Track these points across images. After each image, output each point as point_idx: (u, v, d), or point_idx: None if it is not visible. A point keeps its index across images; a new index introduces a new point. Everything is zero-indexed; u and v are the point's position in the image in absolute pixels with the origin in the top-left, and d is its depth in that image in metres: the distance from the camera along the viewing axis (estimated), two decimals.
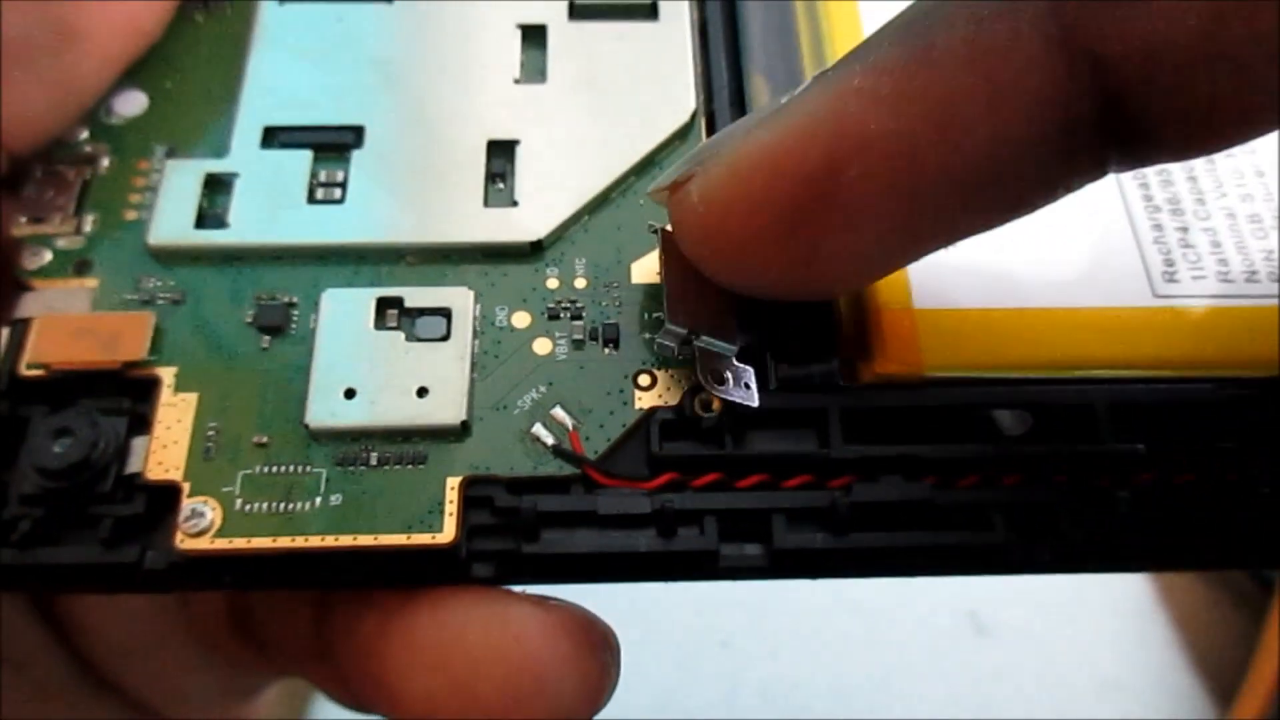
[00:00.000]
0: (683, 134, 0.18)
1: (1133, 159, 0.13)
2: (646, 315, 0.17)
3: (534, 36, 0.19)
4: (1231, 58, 0.11)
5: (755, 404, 0.15)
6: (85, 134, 0.18)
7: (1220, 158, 0.18)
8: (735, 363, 0.15)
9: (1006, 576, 0.16)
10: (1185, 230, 0.18)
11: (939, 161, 0.12)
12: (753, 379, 0.15)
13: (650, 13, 0.19)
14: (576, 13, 0.19)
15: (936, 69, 0.12)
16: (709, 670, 0.39)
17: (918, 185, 0.12)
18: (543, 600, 0.15)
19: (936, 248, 0.14)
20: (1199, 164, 0.18)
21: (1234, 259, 0.17)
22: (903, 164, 0.12)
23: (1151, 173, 0.18)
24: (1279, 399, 0.16)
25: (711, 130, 0.18)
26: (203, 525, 0.15)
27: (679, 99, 0.18)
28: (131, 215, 0.17)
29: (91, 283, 0.17)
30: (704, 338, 0.15)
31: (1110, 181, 0.18)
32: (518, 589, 0.16)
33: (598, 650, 0.15)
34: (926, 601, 0.39)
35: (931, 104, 0.12)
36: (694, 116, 0.18)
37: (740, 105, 0.19)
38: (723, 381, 0.15)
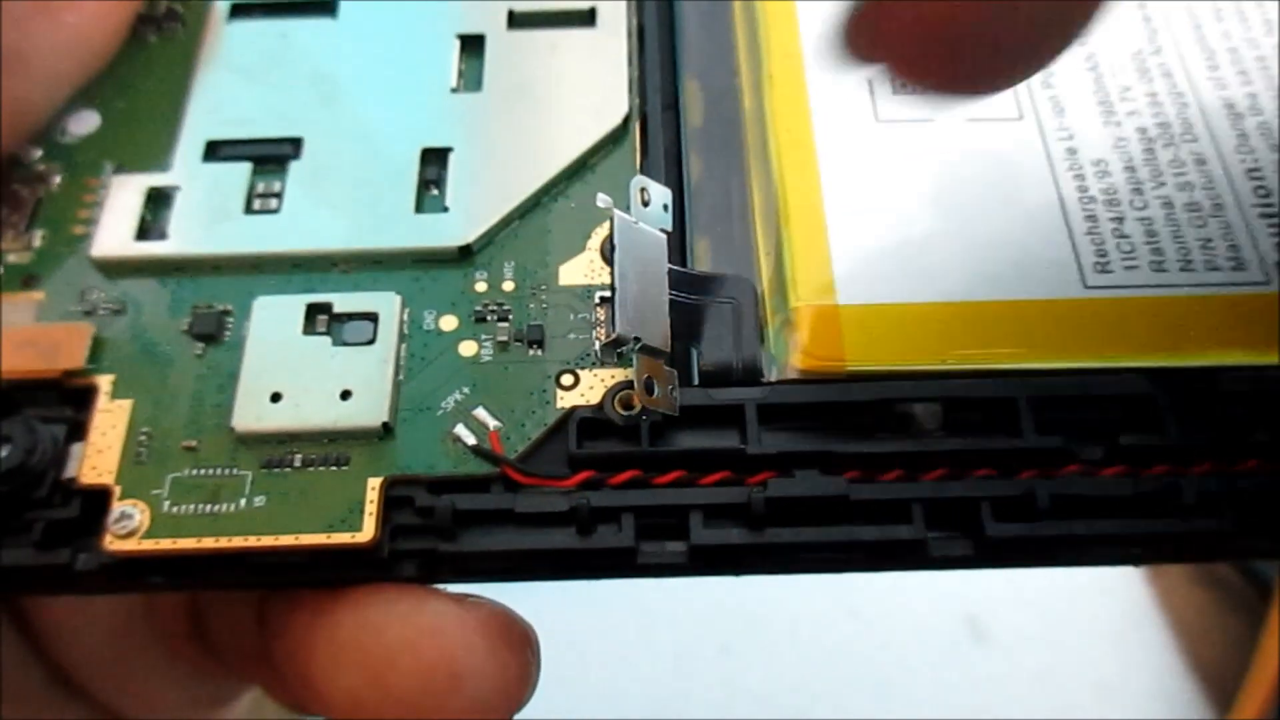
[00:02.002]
0: (615, 138, 0.18)
1: None
2: (573, 316, 0.17)
3: (472, 46, 0.19)
4: None
5: (675, 413, 0.15)
6: (39, 153, 0.19)
7: (1160, 147, 0.18)
8: (665, 368, 0.15)
9: (1005, 580, 0.16)
10: (1120, 221, 0.17)
11: None
12: (676, 383, 0.15)
13: (588, 19, 0.20)
14: (515, 21, 0.20)
15: None
16: (708, 675, 0.39)
17: None
18: (462, 598, 0.15)
19: None
20: (1137, 154, 0.18)
21: (1169, 248, 0.17)
22: None
23: (1088, 164, 0.18)
24: (1208, 388, 0.16)
25: (645, 133, 0.19)
26: (131, 527, 0.15)
27: (612, 103, 0.19)
28: (79, 230, 0.18)
29: (38, 295, 0.17)
30: (644, 344, 0.15)
31: (1045, 174, 0.18)
32: (453, 588, 0.16)
33: (516, 647, 0.15)
34: (924, 606, 0.39)
35: None
36: (627, 120, 0.18)
37: (675, 109, 0.19)
38: (651, 390, 0.15)
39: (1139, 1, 0.20)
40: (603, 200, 0.15)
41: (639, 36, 0.20)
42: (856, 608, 0.39)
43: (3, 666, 0.19)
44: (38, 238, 0.18)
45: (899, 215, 0.17)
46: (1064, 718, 0.37)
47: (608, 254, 0.16)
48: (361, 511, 0.15)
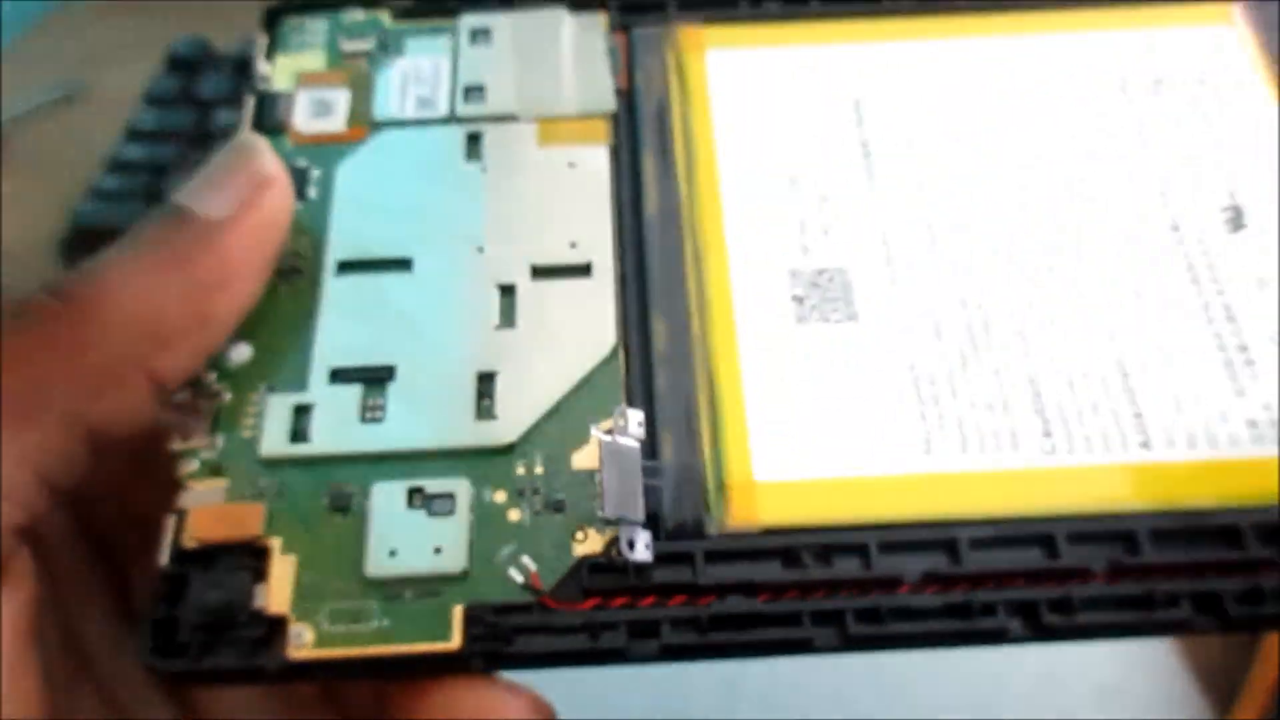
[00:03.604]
0: (608, 361, 0.27)
1: None
2: (583, 490, 0.25)
3: (508, 293, 0.28)
4: None
5: (650, 560, 0.24)
6: (214, 376, 0.27)
7: (970, 355, 0.27)
8: (641, 530, 0.24)
9: None
10: (940, 409, 0.26)
11: None
12: (650, 540, 0.24)
13: (586, 271, 0.29)
14: (536, 274, 0.28)
15: None
16: (708, 675, 0.42)
17: None
18: (512, 686, 0.24)
19: None
20: (955, 362, 0.27)
21: (970, 434, 0.26)
22: None
23: (924, 375, 0.27)
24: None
25: (628, 356, 0.27)
26: (303, 642, 0.24)
27: (604, 336, 0.27)
28: (247, 434, 0.26)
29: (223, 482, 0.26)
30: (625, 517, 0.24)
31: (910, 384, 0.27)
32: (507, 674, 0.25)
33: None
34: None
35: None
36: (614, 349, 0.27)
37: (645, 338, 0.28)
38: (633, 547, 0.24)
39: (965, 239, 0.29)
40: (593, 431, 0.24)
41: (622, 283, 0.29)
42: None
43: None
44: (219, 440, 0.26)
45: (804, 416, 0.26)
46: (1064, 718, 0.39)
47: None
48: (450, 628, 0.24)
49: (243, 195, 0.27)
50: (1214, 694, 0.40)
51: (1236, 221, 0.29)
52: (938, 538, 0.25)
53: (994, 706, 0.40)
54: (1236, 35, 0.33)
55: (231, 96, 0.66)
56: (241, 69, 0.68)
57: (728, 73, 0.32)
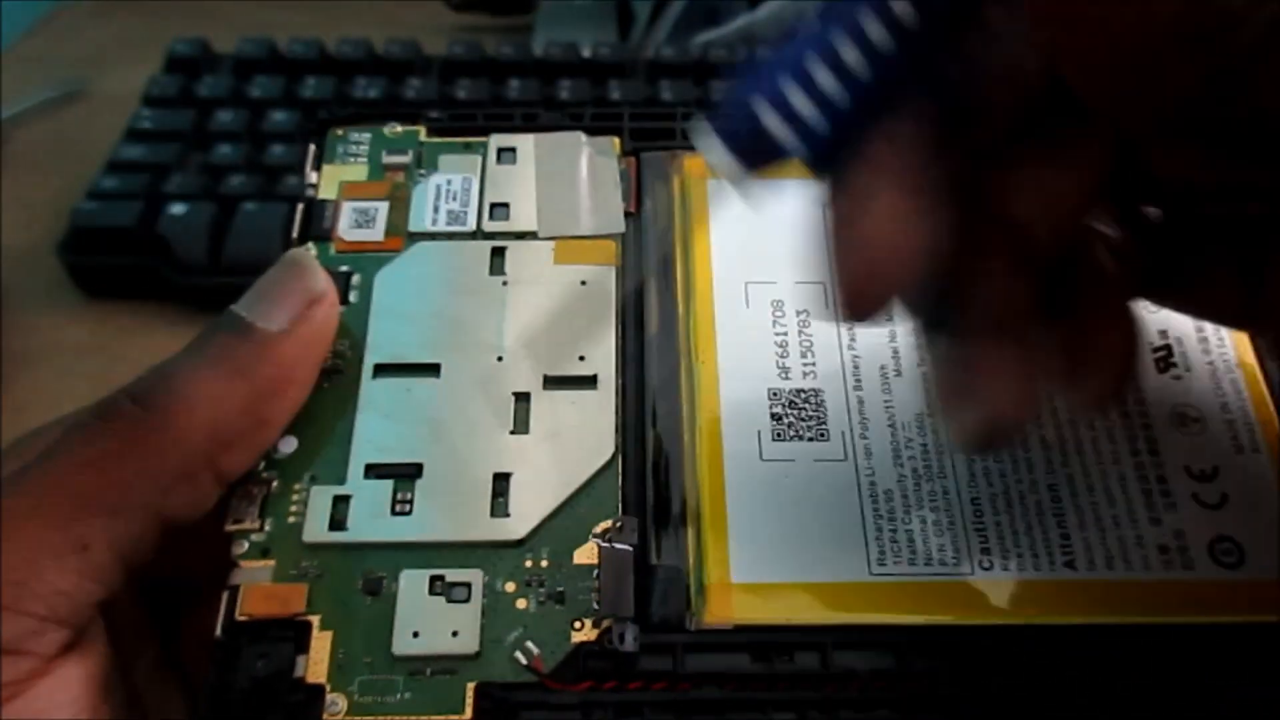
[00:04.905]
0: (607, 467, 0.31)
1: None
2: (581, 584, 0.29)
3: (522, 399, 0.32)
4: None
5: (637, 650, 0.28)
6: (263, 465, 0.31)
7: (924, 481, 0.31)
8: (630, 624, 0.28)
9: None
10: (895, 528, 0.30)
11: None
12: (637, 633, 0.28)
13: (592, 383, 0.33)
14: (548, 383, 0.32)
15: None
16: None
17: None
18: None
19: None
20: (910, 487, 0.31)
21: (920, 548, 0.30)
22: None
23: (881, 492, 0.31)
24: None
25: (625, 462, 0.31)
26: (337, 710, 0.27)
27: (604, 444, 0.31)
28: (292, 520, 0.30)
29: (270, 563, 0.30)
30: (618, 614, 0.28)
31: (855, 499, 0.31)
32: None
33: None
34: None
35: None
36: (614, 456, 0.31)
37: (642, 448, 0.32)
38: (623, 640, 0.28)
39: (923, 371, 0.33)
40: (593, 539, 0.28)
41: (622, 395, 0.33)
42: None
43: None
44: (267, 524, 0.30)
45: (777, 526, 0.30)
46: None
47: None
48: (463, 702, 0.28)
49: (296, 310, 0.31)
50: None
51: (1166, 361, 0.33)
52: (886, 640, 0.29)
53: None
54: None
55: (231, 97, 0.66)
56: (241, 69, 0.68)
57: (725, 200, 0.36)
